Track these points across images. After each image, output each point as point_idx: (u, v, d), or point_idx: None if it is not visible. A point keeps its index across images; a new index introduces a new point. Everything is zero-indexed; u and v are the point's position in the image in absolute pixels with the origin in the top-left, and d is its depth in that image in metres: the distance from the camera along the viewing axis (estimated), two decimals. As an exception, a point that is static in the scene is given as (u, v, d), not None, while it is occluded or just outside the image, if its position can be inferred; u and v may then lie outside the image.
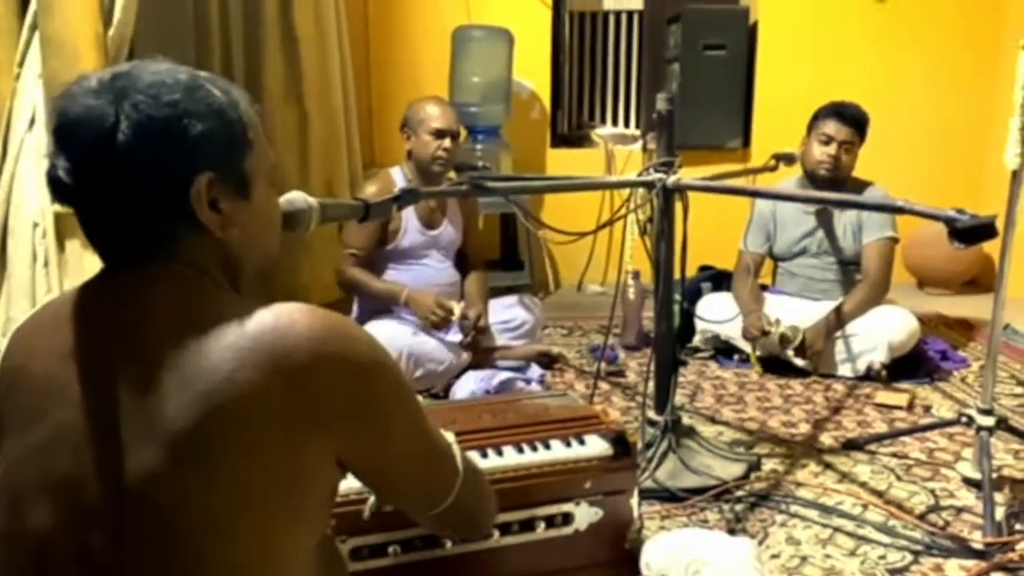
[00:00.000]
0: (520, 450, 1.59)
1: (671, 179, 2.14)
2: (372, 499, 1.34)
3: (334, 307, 3.48)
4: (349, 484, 1.44)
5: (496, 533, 1.51)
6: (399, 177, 2.87)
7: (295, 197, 1.22)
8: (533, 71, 4.41)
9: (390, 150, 4.13)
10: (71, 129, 0.85)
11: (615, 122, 5.07)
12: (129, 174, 0.84)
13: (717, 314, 3.17)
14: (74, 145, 0.85)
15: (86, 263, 2.25)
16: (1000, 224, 1.92)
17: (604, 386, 2.96)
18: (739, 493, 2.11)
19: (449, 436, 1.07)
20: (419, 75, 4.25)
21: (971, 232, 1.28)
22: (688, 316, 3.28)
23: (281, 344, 0.83)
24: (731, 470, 2.19)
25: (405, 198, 1.44)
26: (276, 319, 0.84)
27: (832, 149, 3.02)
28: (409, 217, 2.87)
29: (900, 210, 1.61)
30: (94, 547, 0.81)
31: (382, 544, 1.45)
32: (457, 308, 2.78)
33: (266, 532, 0.84)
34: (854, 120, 3.05)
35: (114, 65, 0.89)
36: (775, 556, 1.83)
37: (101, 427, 0.82)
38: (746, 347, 3.11)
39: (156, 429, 0.79)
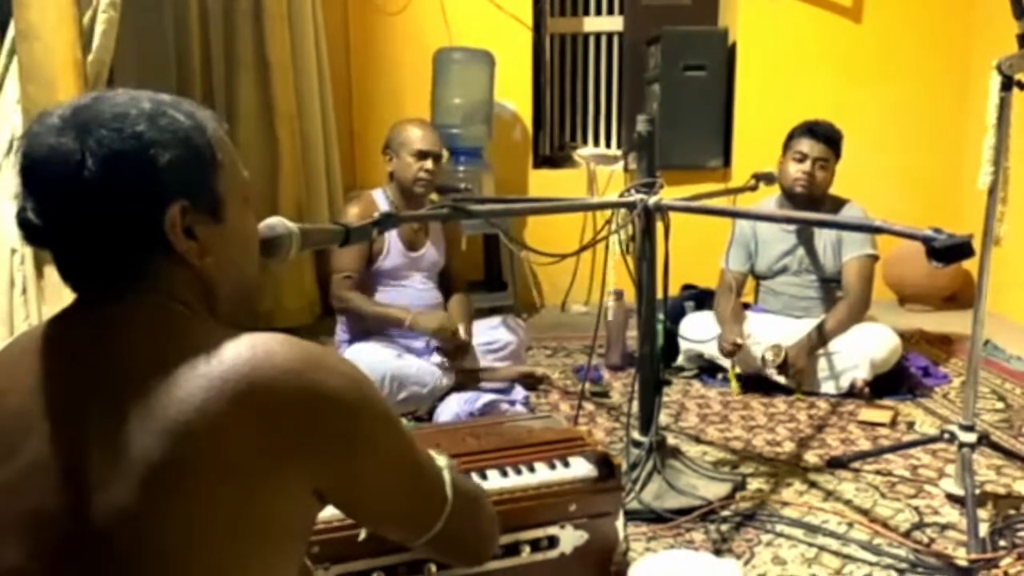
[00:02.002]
0: (504, 473, 1.58)
1: (652, 200, 2.15)
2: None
3: (303, 332, 3.48)
4: (333, 511, 1.45)
5: (481, 558, 1.50)
6: (381, 199, 2.87)
7: (275, 223, 1.21)
8: (515, 92, 4.44)
9: (372, 172, 4.13)
10: (36, 170, 0.83)
11: (597, 142, 5.10)
12: (99, 210, 0.82)
13: (700, 333, 3.18)
14: (41, 185, 0.83)
15: (65, 291, 2.22)
16: (978, 242, 1.95)
17: (589, 407, 2.95)
18: (725, 513, 2.11)
19: (442, 460, 1.04)
20: (401, 97, 4.26)
21: (948, 251, 1.29)
22: (671, 335, 3.29)
23: (257, 376, 0.81)
24: (716, 490, 2.19)
25: (385, 222, 1.43)
26: (252, 350, 0.83)
27: (807, 166, 3.06)
28: (392, 238, 2.87)
29: (878, 230, 1.62)
30: None
31: (366, 571, 1.44)
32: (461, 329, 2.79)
33: (242, 566, 0.82)
34: (827, 137, 3.09)
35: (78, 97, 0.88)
36: (761, 576, 1.83)
37: (71, 462, 0.80)
38: (728, 364, 3.12)
39: (127, 463, 0.78)
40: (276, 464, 0.82)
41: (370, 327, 2.86)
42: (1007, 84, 1.87)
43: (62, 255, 0.87)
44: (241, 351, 0.82)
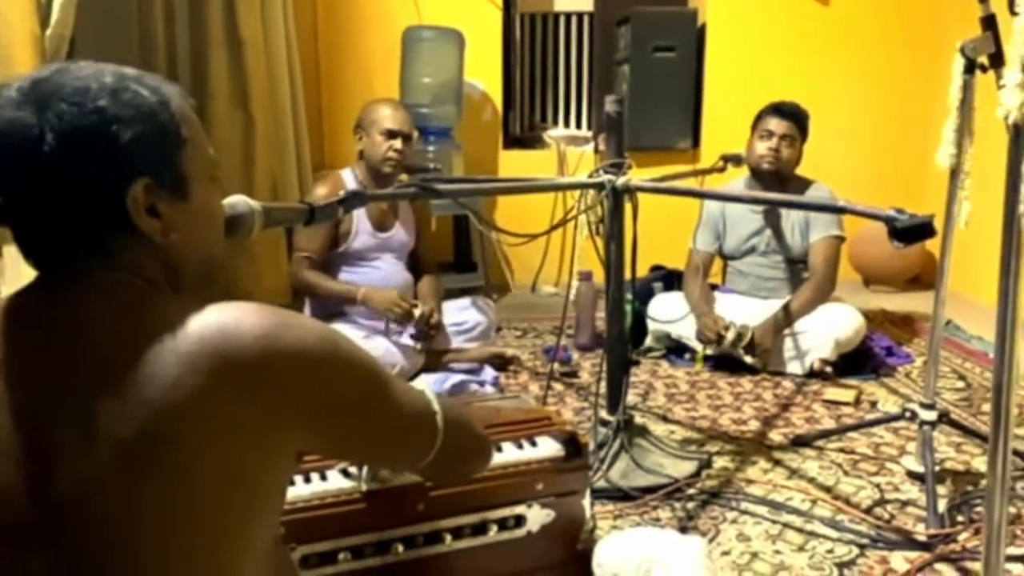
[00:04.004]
0: (472, 453, 1.58)
1: (621, 180, 2.15)
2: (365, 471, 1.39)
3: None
4: (298, 491, 1.45)
5: (448, 537, 1.51)
6: (350, 178, 2.84)
7: (237, 201, 1.19)
8: (484, 72, 4.41)
9: (341, 152, 4.09)
10: None
11: (567, 123, 5.10)
12: (59, 187, 0.81)
13: (668, 313, 3.21)
14: None
15: (24, 268, 2.18)
16: (940, 223, 1.97)
17: (558, 387, 2.97)
18: (691, 491, 2.13)
19: (424, 387, 1.07)
20: (370, 76, 4.22)
21: (910, 231, 1.31)
22: (640, 316, 3.31)
23: (228, 345, 0.80)
24: (683, 468, 2.21)
25: (351, 201, 1.42)
26: (221, 319, 0.82)
27: (773, 143, 3.10)
28: (360, 219, 2.85)
29: (842, 210, 1.64)
30: (32, 562, 0.78)
31: (332, 551, 1.43)
32: (418, 308, 2.77)
33: (218, 535, 0.82)
34: (793, 115, 3.14)
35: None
36: (726, 553, 1.85)
37: (35, 439, 0.79)
38: (697, 346, 3.15)
39: (96, 440, 0.77)
40: (260, 432, 0.82)
41: (336, 308, 2.84)
42: (970, 67, 1.89)
43: (22, 232, 0.86)
44: (209, 323, 0.82)
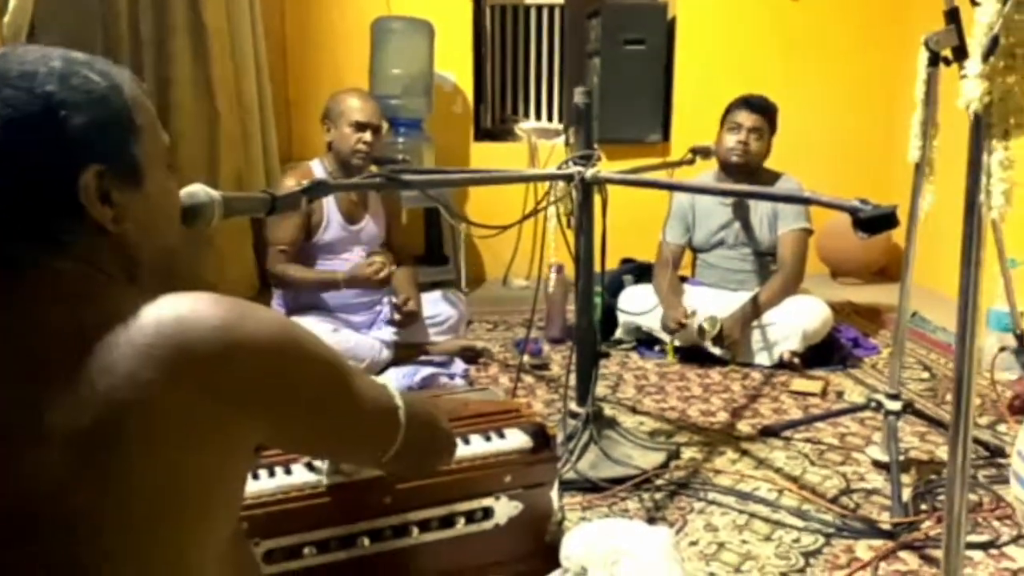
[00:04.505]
0: (440, 446, 1.57)
1: (590, 172, 2.14)
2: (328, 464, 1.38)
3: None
4: (261, 486, 1.43)
5: (415, 530, 1.49)
6: (319, 170, 2.82)
7: (196, 190, 1.17)
8: (455, 64, 4.39)
9: (310, 143, 4.05)
10: None
11: (539, 116, 5.08)
12: (7, 175, 0.79)
13: (638, 306, 3.22)
14: None
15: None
16: (905, 215, 1.99)
17: (529, 379, 2.97)
18: (659, 482, 2.14)
19: (383, 379, 1.05)
20: (338, 67, 4.18)
21: (873, 222, 1.32)
22: (610, 309, 3.32)
23: (186, 336, 0.79)
24: (651, 459, 2.22)
25: (314, 190, 1.40)
26: (178, 310, 0.80)
27: (742, 136, 3.12)
28: (331, 211, 2.83)
29: (807, 200, 1.65)
30: None
31: (296, 545, 1.42)
32: (379, 259, 2.77)
33: (176, 530, 0.81)
34: (761, 108, 3.16)
35: None
36: (693, 543, 1.86)
37: None
38: (666, 338, 3.17)
39: (48, 433, 0.75)
40: (217, 426, 0.80)
41: (307, 301, 2.82)
42: (934, 60, 1.90)
43: None
44: (165, 314, 0.80)
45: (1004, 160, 1.02)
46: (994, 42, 1.00)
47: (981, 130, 1.05)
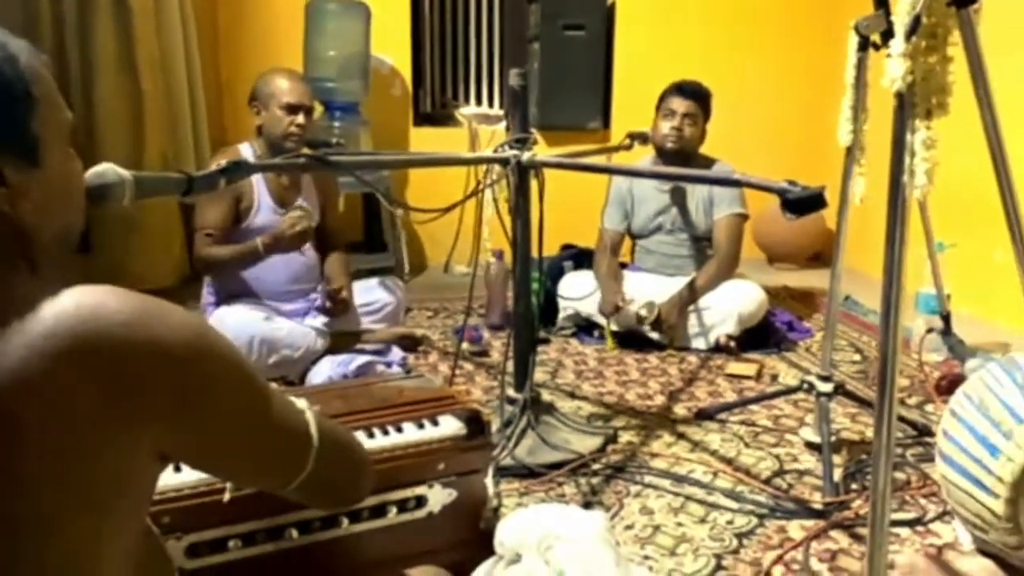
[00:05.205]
0: (371, 435, 1.54)
1: (526, 156, 2.12)
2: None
3: (171, 293, 3.29)
4: (183, 478, 1.38)
5: (345, 521, 1.46)
6: (248, 153, 2.73)
7: (105, 170, 1.11)
8: (393, 47, 4.32)
9: (244, 127, 3.92)
10: None
11: (479, 101, 5.03)
12: None
13: (578, 292, 3.23)
14: None
15: None
16: (836, 199, 2.02)
17: (468, 367, 2.94)
18: (596, 466, 2.14)
19: (301, 403, 1.00)
20: (272, 48, 4.08)
21: (801, 203, 1.32)
22: (551, 295, 3.32)
23: (84, 331, 0.74)
24: (588, 444, 2.22)
25: (233, 171, 1.35)
26: (78, 303, 0.75)
27: (676, 122, 3.14)
28: (261, 195, 2.75)
29: (736, 183, 1.65)
30: None
31: (221, 539, 1.37)
32: (295, 214, 2.67)
33: (70, 529, 0.76)
34: (694, 94, 3.17)
35: None
36: (629, 527, 1.86)
37: None
38: (605, 323, 3.17)
39: None
40: (112, 426, 0.76)
41: (237, 289, 2.74)
42: (864, 44, 1.92)
43: None
44: (64, 306, 0.75)
45: (927, 139, 1.03)
46: (916, 22, 1.01)
47: (905, 110, 1.06)
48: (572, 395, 2.68)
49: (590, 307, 3.21)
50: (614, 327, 3.15)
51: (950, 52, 1.07)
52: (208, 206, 2.67)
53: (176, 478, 1.36)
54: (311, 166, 1.66)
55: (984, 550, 1.64)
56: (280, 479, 0.97)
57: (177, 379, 0.80)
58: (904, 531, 1.84)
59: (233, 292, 2.76)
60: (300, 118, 2.71)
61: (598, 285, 3.19)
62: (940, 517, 1.89)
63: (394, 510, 1.51)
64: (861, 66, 1.96)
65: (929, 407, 2.56)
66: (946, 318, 2.79)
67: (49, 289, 0.77)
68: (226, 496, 1.28)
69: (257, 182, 2.74)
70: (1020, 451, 1.45)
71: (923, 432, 2.31)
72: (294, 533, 1.42)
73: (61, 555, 0.76)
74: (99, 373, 0.74)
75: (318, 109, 3.68)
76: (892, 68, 1.05)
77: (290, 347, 2.66)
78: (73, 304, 0.75)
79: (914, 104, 1.04)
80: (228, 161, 1.37)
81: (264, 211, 2.77)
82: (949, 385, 2.61)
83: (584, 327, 3.30)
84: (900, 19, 1.03)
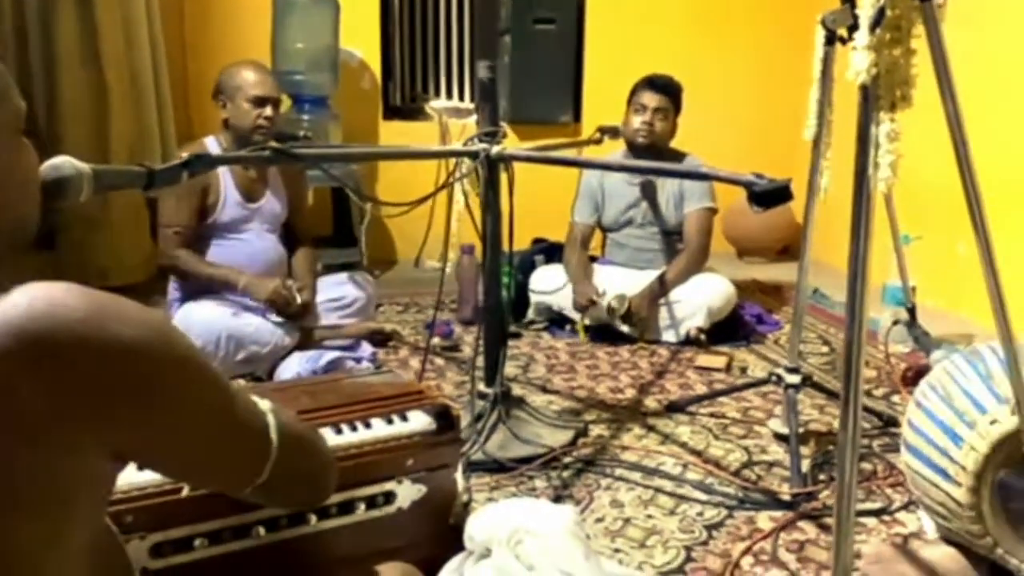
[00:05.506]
0: (339, 431, 1.52)
1: (495, 149, 2.11)
2: None
3: (138, 289, 3.22)
4: (147, 477, 1.35)
5: (313, 518, 1.44)
6: (215, 147, 2.70)
7: (61, 162, 1.08)
8: (362, 40, 4.29)
9: (211, 120, 3.86)
10: None
11: (450, 95, 5.01)
12: None
13: (549, 286, 3.23)
14: None
15: None
16: (803, 192, 2.03)
17: (439, 362, 2.93)
18: (567, 460, 2.14)
19: (265, 404, 0.98)
20: (240, 41, 4.02)
21: (767, 195, 1.33)
22: (522, 289, 3.31)
23: (35, 327, 0.72)
24: (559, 438, 2.22)
25: (195, 163, 1.32)
26: (29, 300, 0.73)
27: (647, 116, 3.14)
28: (228, 189, 2.72)
29: (704, 176, 1.66)
30: None
31: (187, 538, 1.35)
32: (300, 296, 2.68)
33: (17, 528, 0.74)
34: (665, 88, 3.18)
35: None
36: (600, 520, 1.86)
37: None
38: (576, 317, 3.18)
39: None
40: (64, 424, 0.73)
41: (204, 284, 2.70)
42: (830, 38, 1.94)
43: None
44: (16, 302, 0.73)
45: (891, 132, 1.04)
46: (880, 14, 1.01)
47: (869, 102, 1.06)
48: (544, 389, 2.68)
49: (561, 301, 3.22)
50: (587, 321, 3.15)
51: (914, 45, 1.08)
52: (174, 202, 2.63)
53: (139, 476, 1.33)
54: (275, 159, 1.64)
55: (948, 539, 1.66)
56: (235, 483, 0.96)
57: (131, 379, 0.77)
58: (870, 521, 1.86)
59: (200, 288, 2.72)
60: (268, 111, 2.67)
61: (568, 278, 3.19)
62: (906, 507, 1.92)
63: (363, 506, 1.50)
64: (828, 60, 1.97)
65: (895, 398, 2.59)
66: (911, 310, 2.83)
67: (0, 285, 0.75)
68: (184, 491, 1.27)
69: (223, 176, 2.70)
70: (983, 440, 1.47)
71: (889, 423, 2.33)
72: (261, 531, 1.40)
73: (7, 554, 0.74)
74: (50, 370, 0.72)
75: (286, 102, 3.64)
76: (856, 61, 1.05)
77: (258, 343, 2.63)
78: (25, 301, 0.73)
79: (878, 96, 1.05)
80: (190, 154, 1.35)
81: (231, 205, 2.73)
82: (915, 376, 2.65)
83: (556, 321, 3.31)
84: (865, 12, 1.03)
